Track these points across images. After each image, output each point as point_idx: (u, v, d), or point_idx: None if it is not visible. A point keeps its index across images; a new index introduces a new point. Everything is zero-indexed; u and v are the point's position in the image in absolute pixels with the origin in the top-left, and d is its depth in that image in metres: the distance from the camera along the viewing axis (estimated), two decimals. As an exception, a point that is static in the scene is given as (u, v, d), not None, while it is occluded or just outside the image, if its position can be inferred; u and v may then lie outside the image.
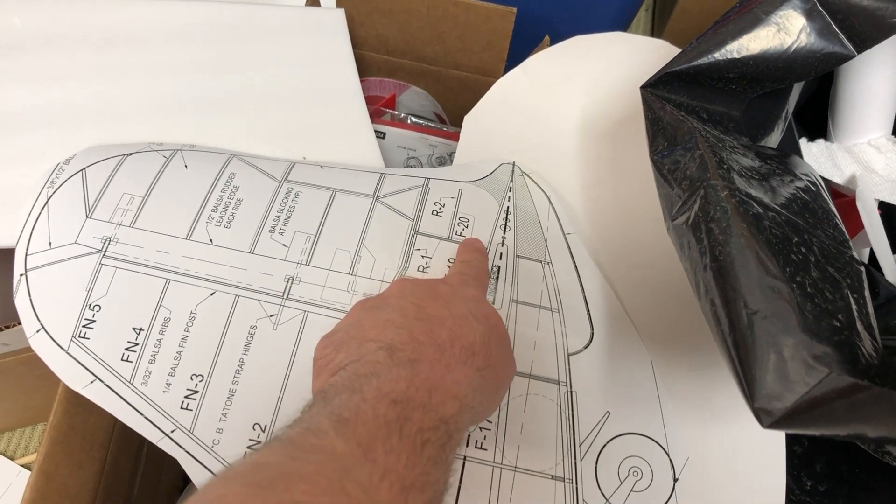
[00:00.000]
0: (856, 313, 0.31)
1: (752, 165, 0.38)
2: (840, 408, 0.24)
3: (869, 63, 0.50)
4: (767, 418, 0.26)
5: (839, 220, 0.39)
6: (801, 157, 0.47)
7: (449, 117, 0.72)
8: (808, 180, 0.40)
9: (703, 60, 0.41)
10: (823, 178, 0.50)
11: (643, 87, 0.42)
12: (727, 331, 0.29)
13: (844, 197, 0.53)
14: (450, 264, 0.44)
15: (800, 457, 0.48)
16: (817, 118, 0.56)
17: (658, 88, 0.42)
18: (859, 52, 0.40)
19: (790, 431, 0.27)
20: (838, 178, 0.53)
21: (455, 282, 0.37)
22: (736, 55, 0.40)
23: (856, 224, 0.50)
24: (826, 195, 0.40)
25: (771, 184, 0.38)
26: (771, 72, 0.41)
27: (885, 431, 0.23)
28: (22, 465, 0.71)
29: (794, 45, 0.40)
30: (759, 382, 0.27)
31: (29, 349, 0.50)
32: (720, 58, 0.40)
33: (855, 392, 0.24)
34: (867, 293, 0.34)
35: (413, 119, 0.63)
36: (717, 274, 0.31)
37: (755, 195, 0.35)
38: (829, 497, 0.46)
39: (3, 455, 0.72)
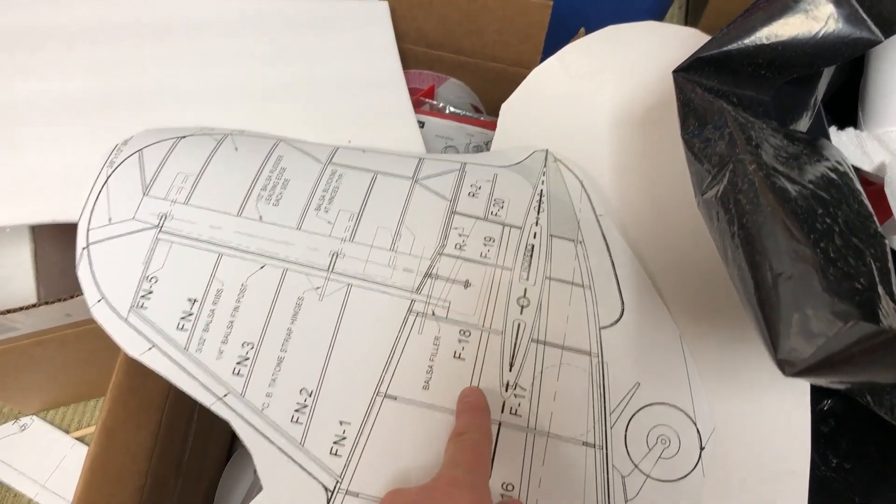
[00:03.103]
0: (877, 278, 0.32)
1: (780, 145, 0.40)
2: (858, 354, 0.26)
3: (898, 51, 0.51)
4: (790, 368, 0.28)
5: (865, 198, 0.40)
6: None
7: (486, 109, 0.74)
8: (836, 161, 0.42)
9: (734, 46, 0.42)
10: (853, 167, 0.51)
11: (675, 72, 0.44)
12: (753, 292, 0.31)
13: (874, 185, 0.54)
14: (486, 242, 0.46)
15: (826, 436, 0.49)
16: (848, 108, 0.57)
17: (690, 73, 0.44)
18: (886, 37, 0.41)
19: (811, 380, 0.29)
20: (868, 167, 0.54)
21: (443, 490, 0.34)
22: (765, 41, 0.42)
23: (885, 212, 0.51)
24: (853, 175, 0.41)
25: (798, 162, 0.39)
26: (799, 57, 0.42)
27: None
28: (76, 439, 0.75)
29: (822, 31, 0.41)
30: (783, 337, 0.28)
31: (88, 322, 0.53)
32: (750, 43, 0.42)
33: (874, 337, 0.25)
34: (891, 265, 0.35)
35: (451, 109, 0.65)
36: (745, 240, 0.33)
37: (782, 170, 0.36)
38: (854, 474, 0.47)
39: (59, 428, 0.76)
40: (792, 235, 0.31)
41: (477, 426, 0.38)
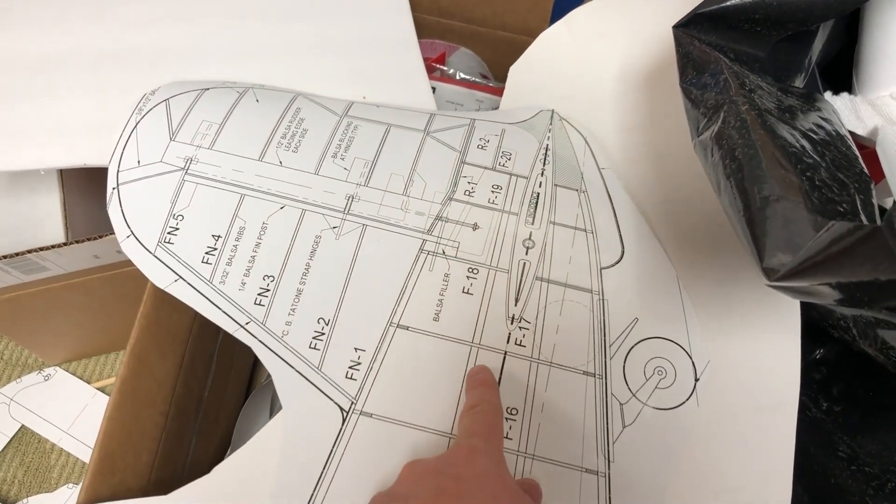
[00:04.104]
0: (860, 208, 0.34)
1: (773, 93, 0.42)
2: (837, 254, 0.28)
3: (892, 15, 0.53)
4: (774, 274, 0.30)
5: (852, 142, 0.42)
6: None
7: (495, 78, 0.77)
8: (826, 110, 0.44)
9: (732, 2, 0.44)
10: (848, 131, 0.53)
11: (675, 27, 0.46)
12: (742, 213, 0.33)
13: (867, 148, 0.56)
14: (493, 190, 0.48)
15: (818, 382, 0.51)
16: (843, 75, 0.59)
17: (689, 28, 0.46)
18: (876, -6, 0.44)
19: (795, 283, 0.31)
20: (861, 131, 0.56)
21: (462, 458, 0.35)
22: (761, -3, 0.44)
23: (877, 174, 0.53)
24: (842, 123, 0.44)
25: (791, 109, 0.41)
26: (793, 13, 0.44)
27: (871, 270, 0.27)
28: (97, 389, 0.78)
29: (815, -12, 0.44)
30: (769, 249, 0.31)
31: (114, 266, 0.56)
32: (747, -1, 0.44)
33: (851, 234, 0.27)
34: (874, 200, 0.37)
35: (461, 75, 0.68)
36: (736, 170, 0.35)
37: (774, 112, 0.39)
38: (844, 416, 0.49)
39: (80, 378, 0.78)
40: (780, 165, 0.34)
41: (487, 400, 0.40)
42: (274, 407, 0.60)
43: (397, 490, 0.35)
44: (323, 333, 0.43)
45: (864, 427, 0.49)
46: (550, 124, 0.54)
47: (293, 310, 0.44)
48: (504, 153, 0.51)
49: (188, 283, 0.44)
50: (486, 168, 0.50)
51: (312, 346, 0.43)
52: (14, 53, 0.53)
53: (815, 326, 0.48)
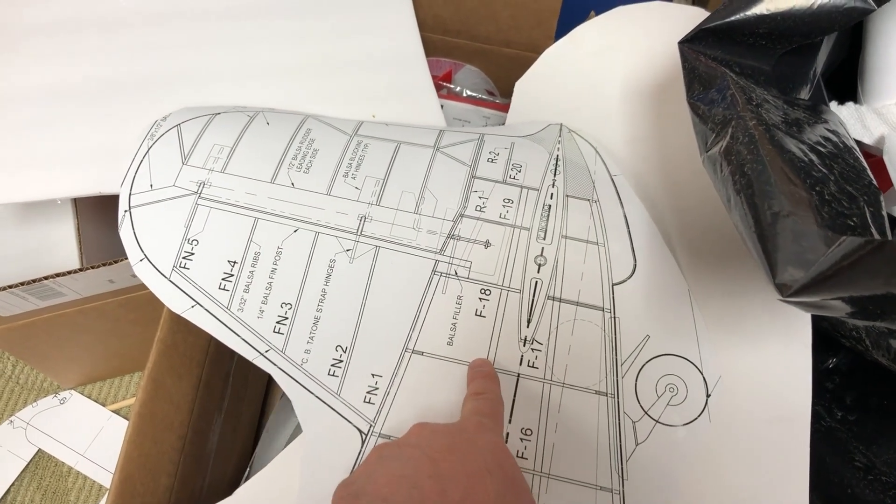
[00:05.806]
0: (870, 221, 0.35)
1: (780, 106, 0.42)
2: (847, 267, 0.28)
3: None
4: (787, 290, 0.31)
5: (860, 154, 0.42)
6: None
7: (501, 94, 0.77)
8: (833, 122, 0.44)
9: (736, 17, 0.45)
10: (855, 140, 0.53)
11: (681, 42, 0.46)
12: (753, 229, 0.34)
13: (874, 157, 0.56)
14: (504, 203, 0.48)
15: (831, 391, 0.51)
16: (848, 84, 0.60)
17: (694, 44, 0.46)
18: (879, 5, 0.44)
19: (807, 299, 0.31)
20: (868, 140, 0.56)
21: (472, 427, 0.36)
22: (765, 11, 0.45)
23: (885, 182, 0.53)
24: (849, 134, 0.44)
25: (798, 122, 0.42)
26: (797, 26, 0.45)
27: (883, 283, 0.27)
28: (113, 411, 0.78)
29: (819, 1, 0.44)
30: (781, 264, 0.31)
31: (128, 290, 0.57)
32: (751, 14, 0.45)
33: (861, 249, 0.28)
34: (884, 211, 0.37)
35: (468, 92, 0.68)
36: (746, 186, 0.35)
37: (781, 127, 0.39)
38: (858, 425, 0.50)
39: (95, 401, 0.79)
40: (789, 180, 0.34)
41: (491, 389, 0.41)
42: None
43: (407, 440, 0.36)
44: (341, 361, 0.44)
45: (879, 436, 0.49)
46: (560, 136, 0.54)
47: (311, 338, 0.44)
48: (514, 165, 0.51)
49: (206, 310, 0.44)
50: (496, 182, 0.50)
51: (331, 373, 0.43)
52: (25, 85, 0.54)
53: (827, 336, 0.48)
